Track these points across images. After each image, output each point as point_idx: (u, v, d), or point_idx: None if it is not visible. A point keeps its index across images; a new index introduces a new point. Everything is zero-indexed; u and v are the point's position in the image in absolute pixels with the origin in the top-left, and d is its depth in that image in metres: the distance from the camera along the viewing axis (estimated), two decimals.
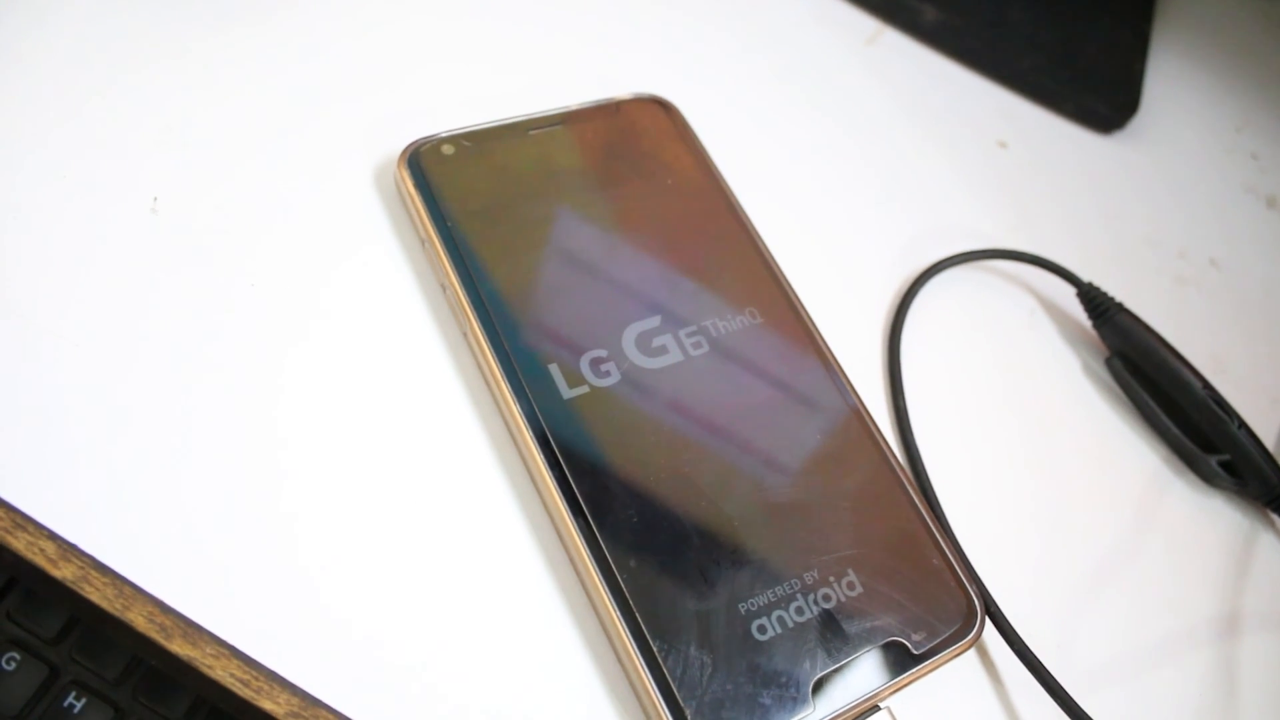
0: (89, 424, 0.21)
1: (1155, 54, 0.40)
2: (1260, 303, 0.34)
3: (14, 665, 0.23)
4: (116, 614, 0.20)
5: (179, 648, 0.20)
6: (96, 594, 0.20)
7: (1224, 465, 0.28)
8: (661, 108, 0.30)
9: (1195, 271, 0.34)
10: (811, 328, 0.27)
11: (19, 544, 0.20)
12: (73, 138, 0.25)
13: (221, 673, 0.20)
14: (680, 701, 0.21)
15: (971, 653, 0.24)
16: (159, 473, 0.21)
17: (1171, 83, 0.40)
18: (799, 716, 0.21)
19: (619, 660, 0.22)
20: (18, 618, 0.23)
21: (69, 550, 0.20)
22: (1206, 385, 0.28)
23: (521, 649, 0.22)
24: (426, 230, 0.25)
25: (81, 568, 0.20)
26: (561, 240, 0.26)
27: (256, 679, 0.20)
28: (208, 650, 0.20)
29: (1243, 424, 0.28)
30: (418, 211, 0.25)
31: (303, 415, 0.23)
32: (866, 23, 0.36)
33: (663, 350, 0.25)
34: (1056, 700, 0.23)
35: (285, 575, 0.21)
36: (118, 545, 0.20)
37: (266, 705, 0.20)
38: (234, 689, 0.20)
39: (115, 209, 0.24)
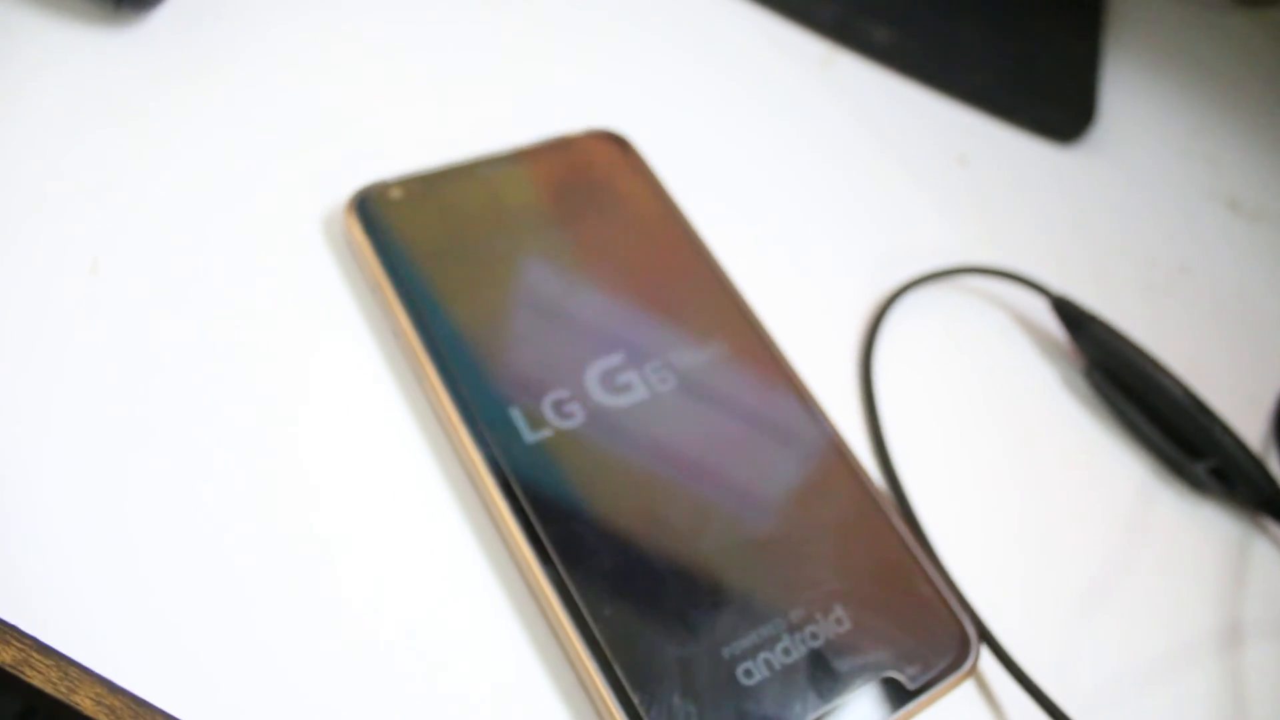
0: (26, 499, 0.20)
1: (1109, 65, 0.40)
2: (1234, 306, 0.34)
3: None
4: (62, 698, 0.19)
5: None
6: (39, 677, 0.19)
7: (1212, 471, 0.28)
8: (615, 142, 0.29)
9: (1167, 278, 0.34)
10: (781, 356, 0.26)
11: None
12: (8, 199, 0.24)
13: None
14: None
15: (969, 682, 0.23)
16: (99, 548, 0.20)
17: (1127, 93, 0.40)
18: None
19: (598, 715, 0.21)
20: None
21: (8, 632, 0.19)
22: (1187, 390, 0.28)
23: (499, 708, 0.20)
24: (376, 275, 0.24)
25: (22, 649, 0.19)
26: (517, 280, 0.26)
27: None
28: None
29: (1226, 428, 0.27)
30: (366, 257, 0.25)
31: (251, 471, 0.22)
32: (819, 47, 0.36)
33: (628, 388, 0.24)
34: None
35: (240, 646, 0.20)
36: (60, 625, 0.19)
37: None
38: None
39: (54, 271, 0.23)
